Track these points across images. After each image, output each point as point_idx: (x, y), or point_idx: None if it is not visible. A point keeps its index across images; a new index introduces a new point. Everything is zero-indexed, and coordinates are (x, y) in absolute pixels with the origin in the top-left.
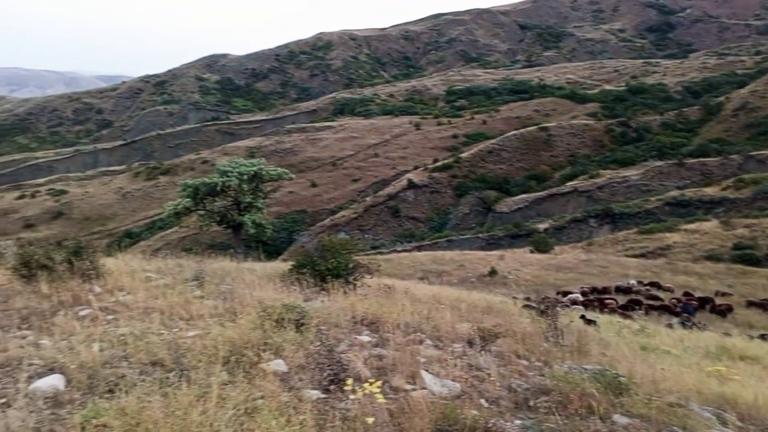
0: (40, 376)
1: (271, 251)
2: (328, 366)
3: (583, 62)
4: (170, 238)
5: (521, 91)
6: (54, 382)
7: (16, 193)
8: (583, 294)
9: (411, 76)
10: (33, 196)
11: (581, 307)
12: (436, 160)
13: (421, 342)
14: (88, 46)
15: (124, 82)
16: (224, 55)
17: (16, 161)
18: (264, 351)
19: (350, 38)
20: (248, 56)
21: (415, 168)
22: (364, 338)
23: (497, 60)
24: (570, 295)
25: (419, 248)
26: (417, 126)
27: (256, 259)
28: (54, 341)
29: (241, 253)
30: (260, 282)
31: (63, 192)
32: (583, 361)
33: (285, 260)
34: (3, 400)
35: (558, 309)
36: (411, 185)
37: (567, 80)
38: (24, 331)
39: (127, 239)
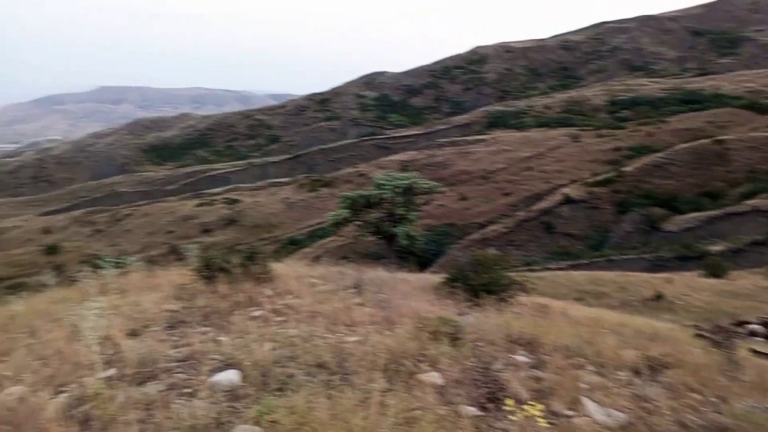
0: (220, 370)
1: (422, 263)
2: (484, 383)
3: (765, 69)
4: (329, 246)
5: (692, 101)
6: (231, 376)
7: (197, 201)
8: (764, 324)
9: (569, 87)
10: (210, 204)
11: (762, 339)
12: (595, 174)
13: (581, 367)
14: (260, 67)
15: (291, 100)
16: (382, 73)
17: (197, 172)
18: (421, 362)
19: (506, 51)
20: (404, 73)
21: (572, 182)
22: (520, 358)
23: (665, 68)
24: (748, 326)
25: (575, 267)
26: (575, 138)
27: (409, 270)
28: (231, 338)
29: (394, 263)
30: (414, 293)
31: (236, 201)
32: (767, 400)
33: (435, 272)
34: (189, 390)
35: (735, 340)
36: (567, 200)
37: (746, 89)
38: (205, 328)
39: (291, 246)
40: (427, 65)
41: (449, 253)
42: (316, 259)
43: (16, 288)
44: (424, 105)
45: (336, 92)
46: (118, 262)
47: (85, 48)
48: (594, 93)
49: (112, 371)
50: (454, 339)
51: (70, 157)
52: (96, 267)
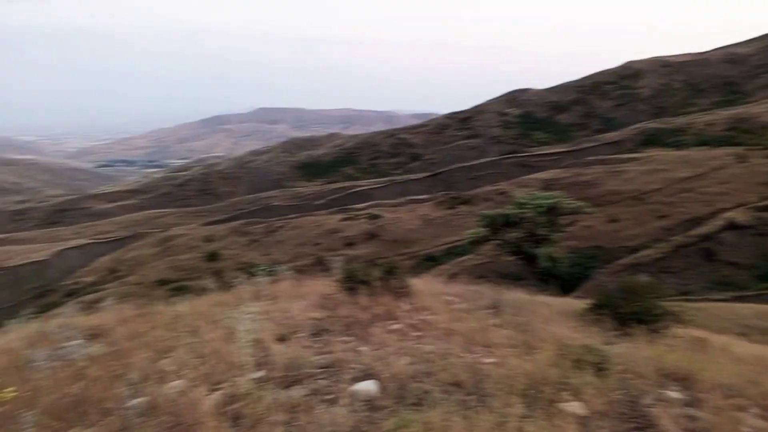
0: (359, 379)
1: (564, 286)
2: (631, 418)
3: None
4: (466, 264)
5: None
6: (370, 387)
7: (342, 216)
8: None
9: (734, 103)
10: (354, 218)
11: None
12: (764, 198)
13: (744, 409)
14: (405, 87)
15: (432, 119)
16: (525, 90)
17: (344, 188)
18: (562, 390)
19: (662, 65)
20: (550, 89)
21: (737, 206)
22: (673, 394)
23: None
24: None
25: (739, 299)
26: (741, 158)
27: (550, 294)
28: (370, 349)
29: (534, 285)
30: (556, 318)
31: (377, 216)
32: None
33: (579, 297)
34: (330, 397)
35: None
36: (731, 225)
37: None
38: (346, 337)
39: (428, 262)
40: (575, 81)
41: (595, 278)
42: (453, 276)
43: (180, 290)
44: (571, 122)
45: (478, 110)
46: (270, 271)
47: (248, 73)
48: (764, 110)
49: (261, 373)
50: (600, 369)
51: (231, 172)
52: (250, 274)
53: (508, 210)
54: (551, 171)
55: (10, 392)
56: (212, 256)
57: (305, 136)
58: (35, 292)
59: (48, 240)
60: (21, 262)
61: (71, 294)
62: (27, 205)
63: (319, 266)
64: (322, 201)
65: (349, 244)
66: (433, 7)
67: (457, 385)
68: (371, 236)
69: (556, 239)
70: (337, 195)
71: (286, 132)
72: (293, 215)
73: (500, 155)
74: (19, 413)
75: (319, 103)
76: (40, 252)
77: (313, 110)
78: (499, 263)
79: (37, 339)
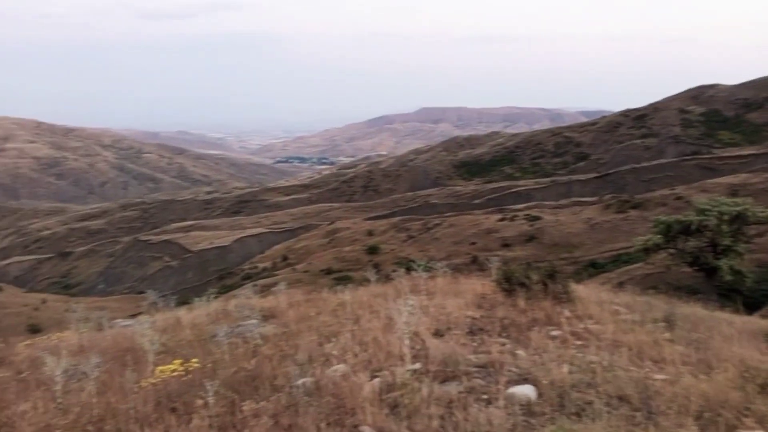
0: (516, 383)
1: (749, 303)
2: None
3: None
4: (634, 273)
5: None
6: (527, 391)
7: (499, 216)
8: None
9: None
10: (512, 219)
11: None
12: None
13: None
14: (573, 85)
15: (604, 117)
16: (713, 86)
17: (502, 188)
18: (745, 416)
19: None
20: (741, 85)
21: None
22: None
23: None
24: None
25: None
26: None
27: (733, 311)
28: (528, 354)
29: (713, 300)
30: (739, 337)
31: (537, 218)
32: None
33: (766, 317)
34: (486, 397)
35: None
36: None
37: None
38: (503, 339)
39: (591, 269)
40: None
41: None
42: (619, 285)
43: (343, 280)
44: (764, 122)
45: (655, 107)
46: (428, 267)
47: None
48: None
49: (417, 365)
50: None
51: (393, 170)
52: (409, 269)
53: (688, 216)
54: (739, 175)
55: (194, 363)
56: (372, 250)
57: (466, 135)
58: (217, 274)
59: (230, 228)
60: (207, 247)
61: (248, 277)
62: (214, 195)
63: (475, 265)
64: (479, 200)
65: (506, 245)
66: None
67: (623, 399)
68: (529, 238)
69: (742, 251)
70: (495, 194)
71: (447, 131)
72: (450, 213)
73: (679, 156)
74: (203, 382)
75: (481, 101)
76: (223, 238)
77: (476, 108)
78: (672, 274)
79: (219, 316)
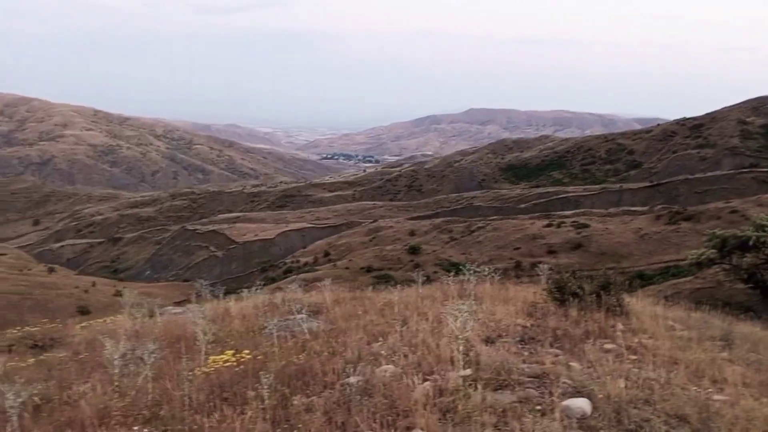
0: (570, 395)
1: None
2: None
3: None
4: (683, 287)
5: None
6: (582, 405)
7: (545, 222)
8: None
9: None
10: (558, 226)
11: None
12: None
13: None
14: (627, 91)
15: (658, 125)
16: None
17: (549, 193)
18: None
19: None
20: None
21: None
22: None
23: None
24: None
25: None
26: None
27: None
28: (582, 366)
29: None
30: None
31: (585, 226)
32: None
33: None
34: (540, 408)
35: None
36: None
37: None
38: (555, 350)
39: (638, 280)
40: None
41: None
42: (667, 299)
43: (383, 278)
44: None
45: (713, 117)
46: (475, 271)
47: (462, 74)
48: None
49: (469, 371)
50: None
51: (438, 170)
52: (456, 272)
53: (744, 232)
54: None
55: (246, 354)
56: (414, 250)
57: (514, 138)
58: (260, 266)
59: (275, 221)
60: (251, 239)
61: (289, 271)
62: (261, 188)
63: (518, 270)
64: (525, 205)
65: (551, 252)
66: (664, 6)
67: (681, 418)
68: (576, 246)
69: None
70: (542, 200)
71: (495, 133)
72: (494, 217)
73: (737, 169)
74: (255, 374)
75: (531, 104)
76: (267, 231)
77: (525, 111)
78: (724, 290)
79: (267, 309)
